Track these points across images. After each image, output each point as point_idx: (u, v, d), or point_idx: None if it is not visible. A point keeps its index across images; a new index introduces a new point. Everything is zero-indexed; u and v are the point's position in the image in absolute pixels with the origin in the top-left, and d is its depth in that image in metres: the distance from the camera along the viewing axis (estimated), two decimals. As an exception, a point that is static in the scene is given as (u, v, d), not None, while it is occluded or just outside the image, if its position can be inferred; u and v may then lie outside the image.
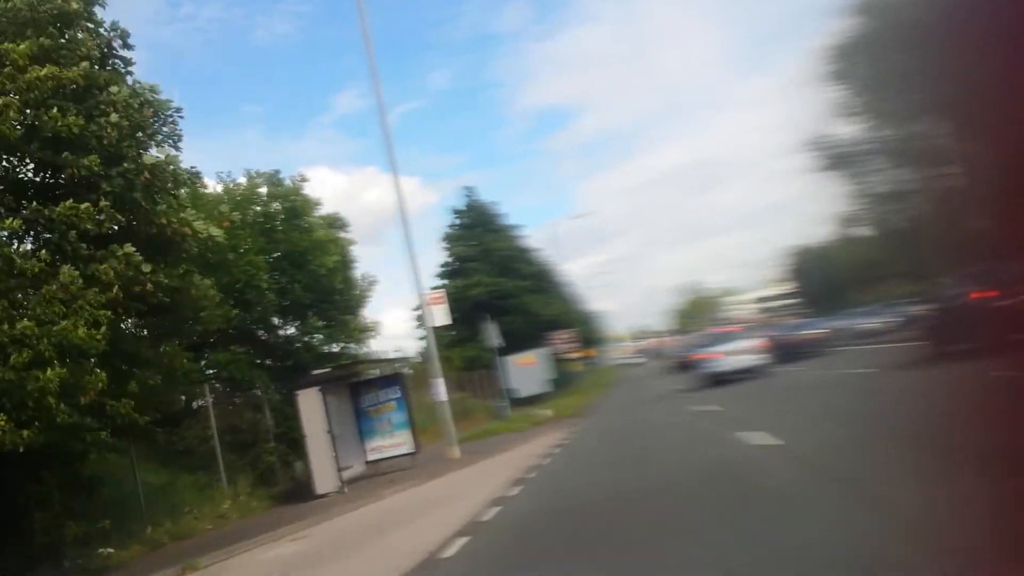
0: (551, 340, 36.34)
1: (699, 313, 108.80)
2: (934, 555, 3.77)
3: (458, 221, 40.23)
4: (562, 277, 46.21)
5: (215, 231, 11.93)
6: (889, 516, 4.78)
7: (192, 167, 11.68)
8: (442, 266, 39.62)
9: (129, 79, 10.88)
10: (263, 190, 19.47)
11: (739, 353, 22.38)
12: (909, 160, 32.18)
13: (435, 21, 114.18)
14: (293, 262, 18.82)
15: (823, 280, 65.17)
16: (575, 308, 54.51)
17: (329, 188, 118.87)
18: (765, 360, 22.31)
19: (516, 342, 37.39)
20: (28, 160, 10.03)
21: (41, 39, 9.48)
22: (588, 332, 65.30)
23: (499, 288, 36.85)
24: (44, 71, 8.99)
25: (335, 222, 20.52)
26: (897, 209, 34.04)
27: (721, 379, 21.97)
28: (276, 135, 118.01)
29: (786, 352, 24.77)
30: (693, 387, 23.89)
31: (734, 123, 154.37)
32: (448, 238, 39.60)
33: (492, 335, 25.02)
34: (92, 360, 8.81)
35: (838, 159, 34.77)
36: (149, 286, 9.63)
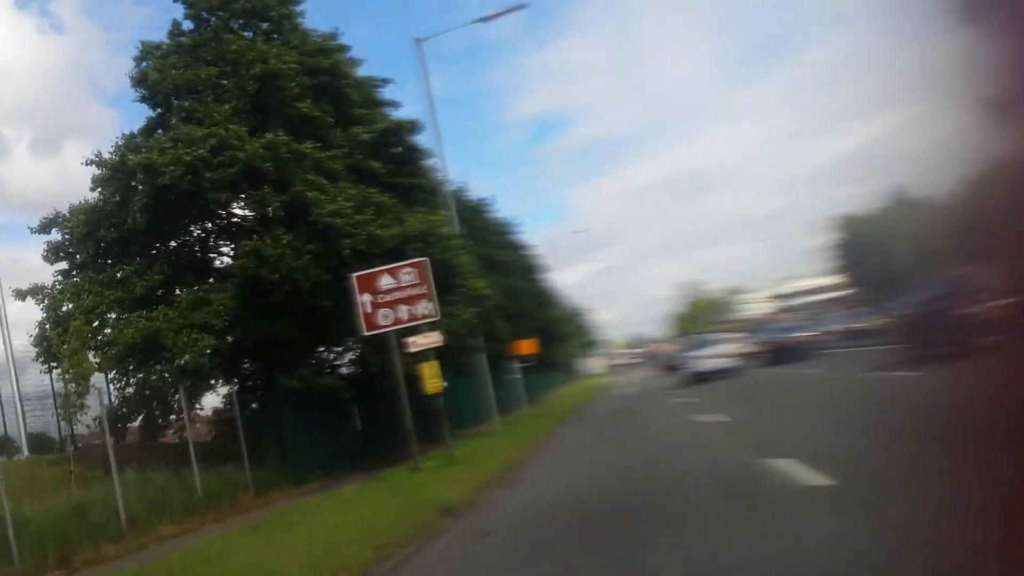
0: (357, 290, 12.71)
1: (701, 316, 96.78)
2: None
3: (191, 24, 16.55)
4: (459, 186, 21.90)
5: None
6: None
7: None
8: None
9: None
10: None
11: (717, 356, 26.47)
12: None
13: (429, 29, 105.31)
14: None
15: (885, 259, 46.97)
16: (516, 264, 30.97)
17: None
18: (741, 362, 26.44)
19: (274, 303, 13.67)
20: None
21: None
22: (553, 324, 41.75)
23: (229, 150, 13.26)
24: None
25: None
26: None
27: (702, 378, 25.22)
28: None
29: (777, 354, 26.61)
30: (678, 385, 27.25)
31: (727, 133, 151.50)
32: (146, 54, 15.81)
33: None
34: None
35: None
36: None
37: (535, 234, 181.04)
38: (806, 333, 28.32)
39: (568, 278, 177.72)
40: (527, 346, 22.81)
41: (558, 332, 44.47)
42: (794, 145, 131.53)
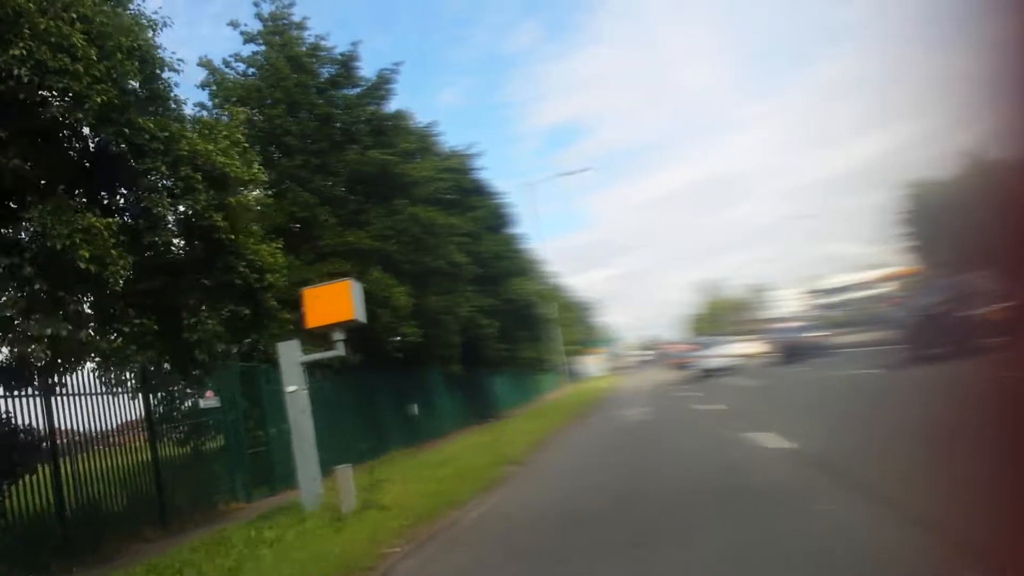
0: None
1: (721, 316, 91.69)
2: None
3: None
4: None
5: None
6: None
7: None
8: None
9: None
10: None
11: (722, 356, 30.76)
12: None
13: (447, 40, 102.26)
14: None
15: (967, 229, 33.25)
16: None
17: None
18: (746, 361, 30.57)
19: None
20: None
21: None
22: (522, 304, 28.96)
23: None
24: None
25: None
26: None
27: (708, 374, 29.07)
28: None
29: (789, 353, 27.77)
30: (685, 380, 30.43)
31: (744, 143, 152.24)
32: None
33: None
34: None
35: None
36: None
37: (555, 242, 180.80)
38: (816, 333, 29.85)
39: (584, 281, 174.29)
40: (321, 307, 8.17)
41: (529, 316, 31.16)
42: (815, 153, 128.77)
